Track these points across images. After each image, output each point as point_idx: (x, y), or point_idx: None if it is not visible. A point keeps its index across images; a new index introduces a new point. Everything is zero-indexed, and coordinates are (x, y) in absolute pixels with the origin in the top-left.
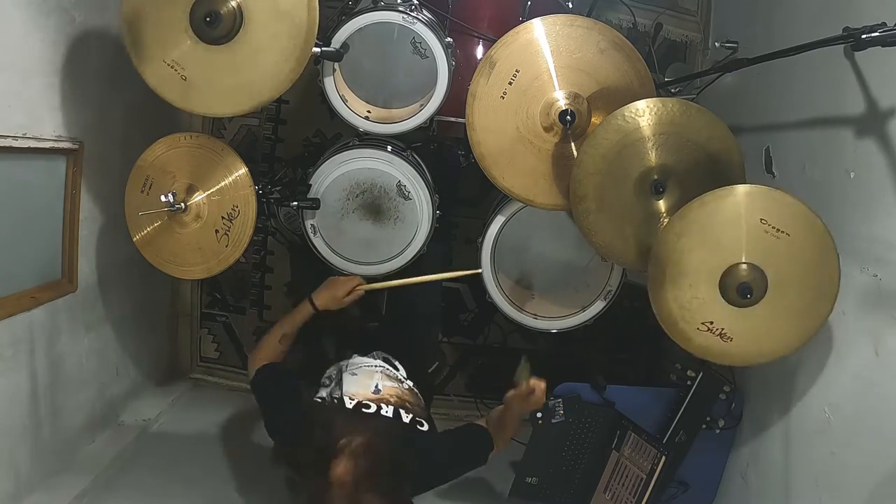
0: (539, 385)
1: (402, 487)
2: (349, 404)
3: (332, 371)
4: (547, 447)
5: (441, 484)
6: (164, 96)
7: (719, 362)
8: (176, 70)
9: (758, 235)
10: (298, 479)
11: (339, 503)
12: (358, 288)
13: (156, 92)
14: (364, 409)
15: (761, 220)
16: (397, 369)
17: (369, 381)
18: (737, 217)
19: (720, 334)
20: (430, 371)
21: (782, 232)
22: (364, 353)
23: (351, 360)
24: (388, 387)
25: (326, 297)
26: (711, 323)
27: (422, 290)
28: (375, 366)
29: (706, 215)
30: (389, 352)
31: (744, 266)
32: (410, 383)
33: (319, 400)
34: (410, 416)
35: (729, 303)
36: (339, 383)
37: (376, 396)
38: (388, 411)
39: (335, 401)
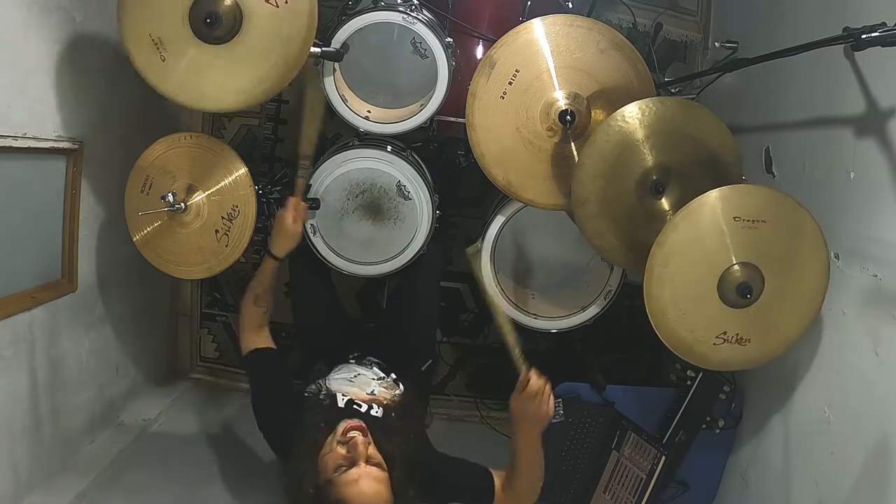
0: (535, 379)
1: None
2: (341, 402)
3: (324, 372)
4: (547, 447)
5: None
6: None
7: (744, 369)
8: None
9: (738, 233)
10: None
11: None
12: (298, 205)
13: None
14: (356, 407)
15: (734, 218)
16: (388, 377)
17: (366, 387)
18: (716, 222)
19: (737, 340)
20: (423, 369)
21: (759, 221)
22: (360, 360)
23: (347, 364)
24: (382, 391)
25: (280, 239)
26: (725, 333)
27: (422, 288)
28: (371, 376)
29: (686, 232)
30: (383, 353)
31: (736, 267)
32: (402, 388)
33: (308, 394)
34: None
35: (733, 307)
36: (330, 381)
37: (370, 397)
38: (378, 412)
39: (326, 398)
